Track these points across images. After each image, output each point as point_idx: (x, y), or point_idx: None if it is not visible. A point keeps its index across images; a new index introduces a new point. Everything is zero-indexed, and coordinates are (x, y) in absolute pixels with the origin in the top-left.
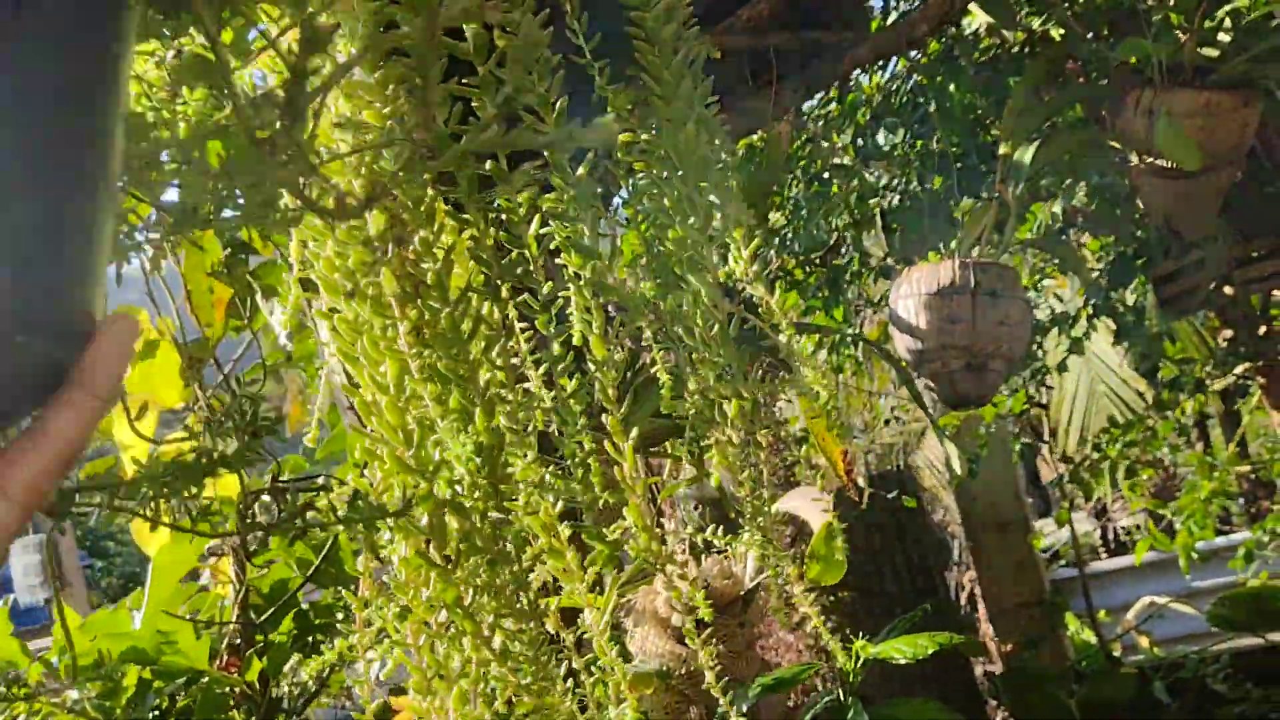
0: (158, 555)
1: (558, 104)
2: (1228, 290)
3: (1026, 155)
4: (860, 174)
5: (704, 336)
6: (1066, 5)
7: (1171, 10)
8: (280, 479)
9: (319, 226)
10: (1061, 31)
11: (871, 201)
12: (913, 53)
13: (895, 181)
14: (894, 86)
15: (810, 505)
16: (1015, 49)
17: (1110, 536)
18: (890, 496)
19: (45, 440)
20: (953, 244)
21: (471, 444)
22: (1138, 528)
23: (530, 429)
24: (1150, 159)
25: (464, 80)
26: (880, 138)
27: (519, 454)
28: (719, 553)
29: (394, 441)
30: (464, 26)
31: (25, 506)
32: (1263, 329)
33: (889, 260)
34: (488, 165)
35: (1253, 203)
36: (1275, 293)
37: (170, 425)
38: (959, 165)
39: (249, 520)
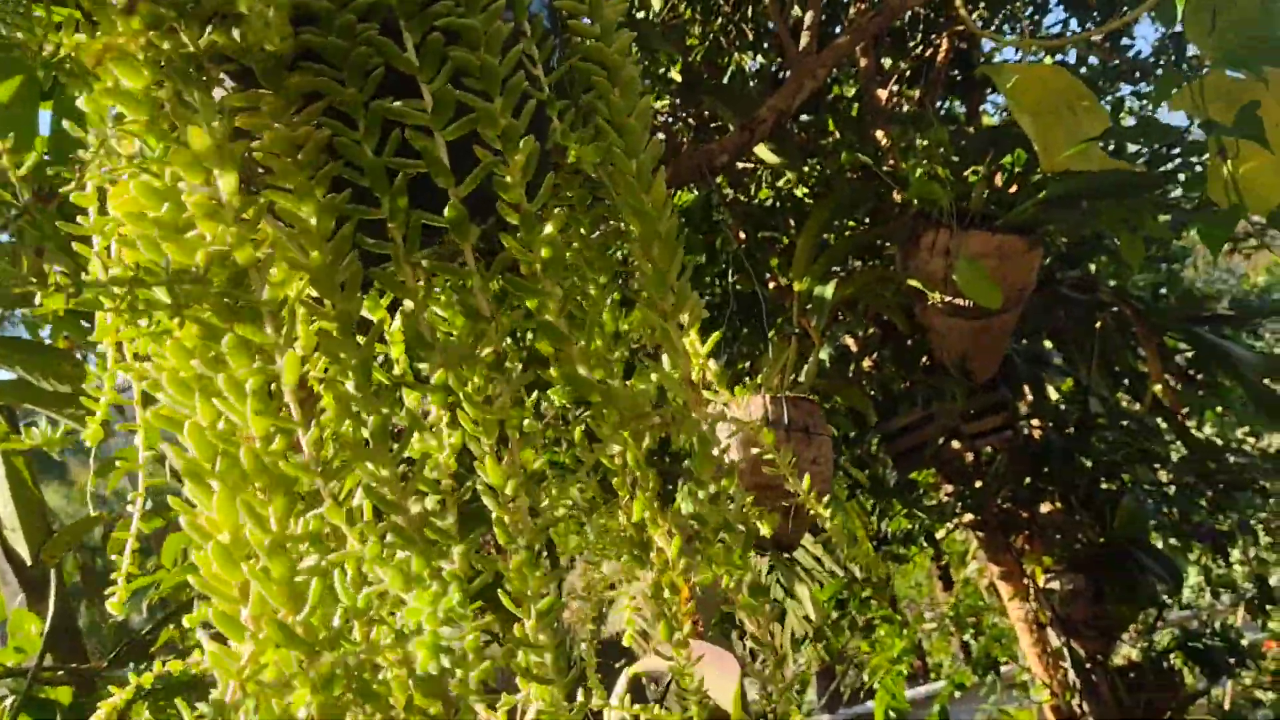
0: None
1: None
2: (955, 445)
3: (828, 291)
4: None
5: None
6: (852, 149)
7: (940, 165)
8: None
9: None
10: (853, 174)
11: None
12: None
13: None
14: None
15: (713, 667)
16: (801, 190)
17: None
18: None
19: None
20: (758, 379)
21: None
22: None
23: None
24: (947, 299)
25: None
26: None
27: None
28: None
29: (273, 598)
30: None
31: None
32: (978, 483)
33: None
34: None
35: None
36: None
37: None
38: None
39: None
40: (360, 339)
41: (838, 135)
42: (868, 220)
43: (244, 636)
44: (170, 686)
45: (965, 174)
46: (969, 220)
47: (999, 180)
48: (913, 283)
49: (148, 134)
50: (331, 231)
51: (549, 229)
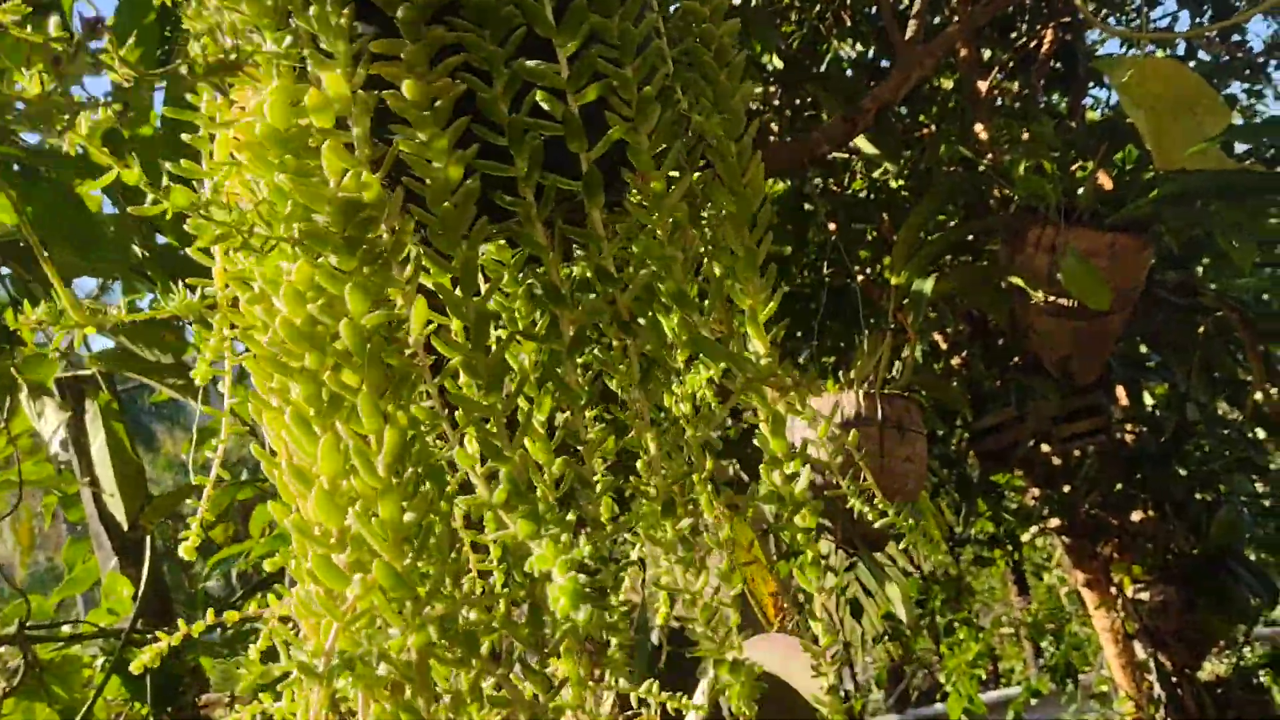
0: None
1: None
2: (1044, 448)
3: (926, 286)
4: None
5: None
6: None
7: (1046, 160)
8: (28, 624)
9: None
10: (951, 168)
11: None
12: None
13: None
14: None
15: (789, 657)
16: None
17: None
18: None
19: None
20: (851, 374)
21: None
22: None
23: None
24: (1052, 297)
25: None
26: None
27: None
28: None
29: (377, 543)
30: None
31: None
32: (1066, 487)
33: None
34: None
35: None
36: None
37: None
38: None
39: None
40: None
41: (935, 128)
42: (966, 216)
43: (344, 582)
44: (237, 637)
45: (1072, 169)
46: (1077, 217)
47: (1105, 178)
48: (1016, 280)
49: (278, 74)
50: (458, 184)
51: (675, 196)
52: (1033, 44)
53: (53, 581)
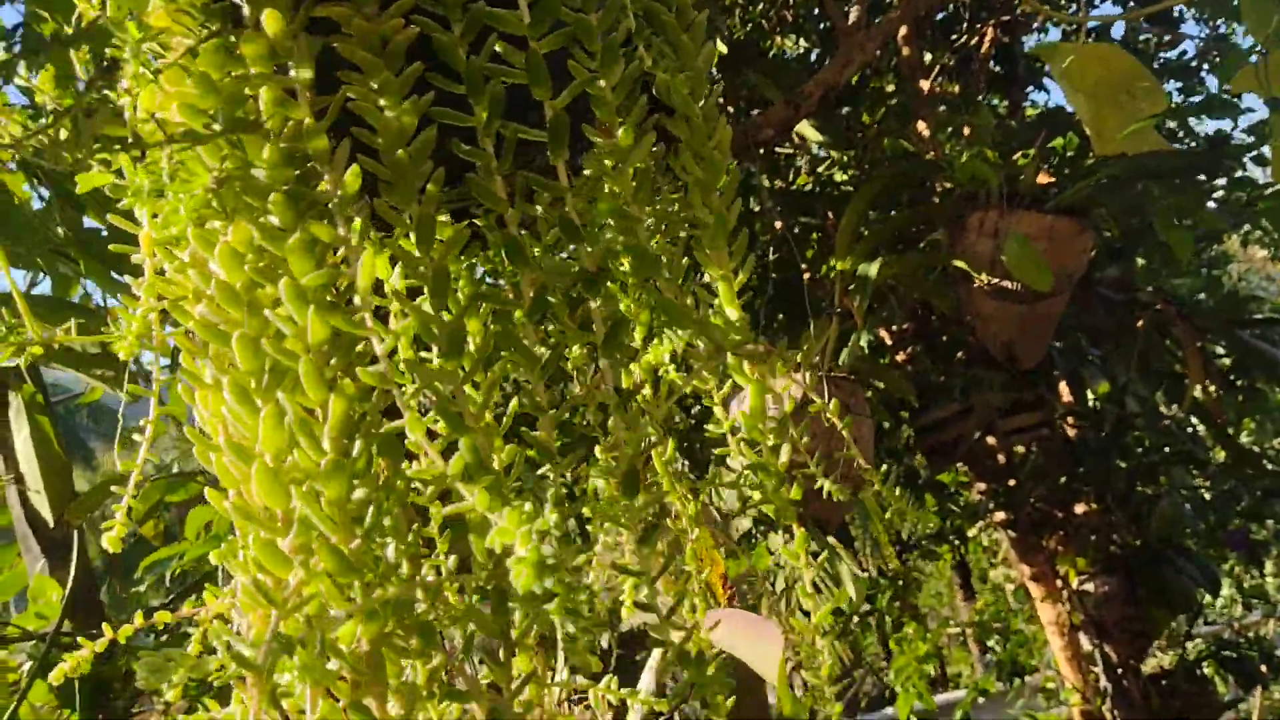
0: None
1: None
2: (990, 441)
3: (871, 270)
4: None
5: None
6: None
7: (990, 148)
8: None
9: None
10: (900, 141)
11: None
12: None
13: None
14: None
15: (753, 636)
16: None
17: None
18: None
19: None
20: (797, 358)
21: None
22: None
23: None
24: (994, 281)
25: None
26: None
27: None
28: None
29: (323, 524)
30: None
31: None
32: (1011, 481)
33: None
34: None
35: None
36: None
37: None
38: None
39: None
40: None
41: (877, 125)
42: (910, 204)
43: (287, 567)
44: (171, 641)
45: (1014, 158)
46: (1019, 202)
47: (1045, 176)
48: (959, 264)
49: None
50: (412, 135)
51: (641, 152)
52: (973, 41)
53: None
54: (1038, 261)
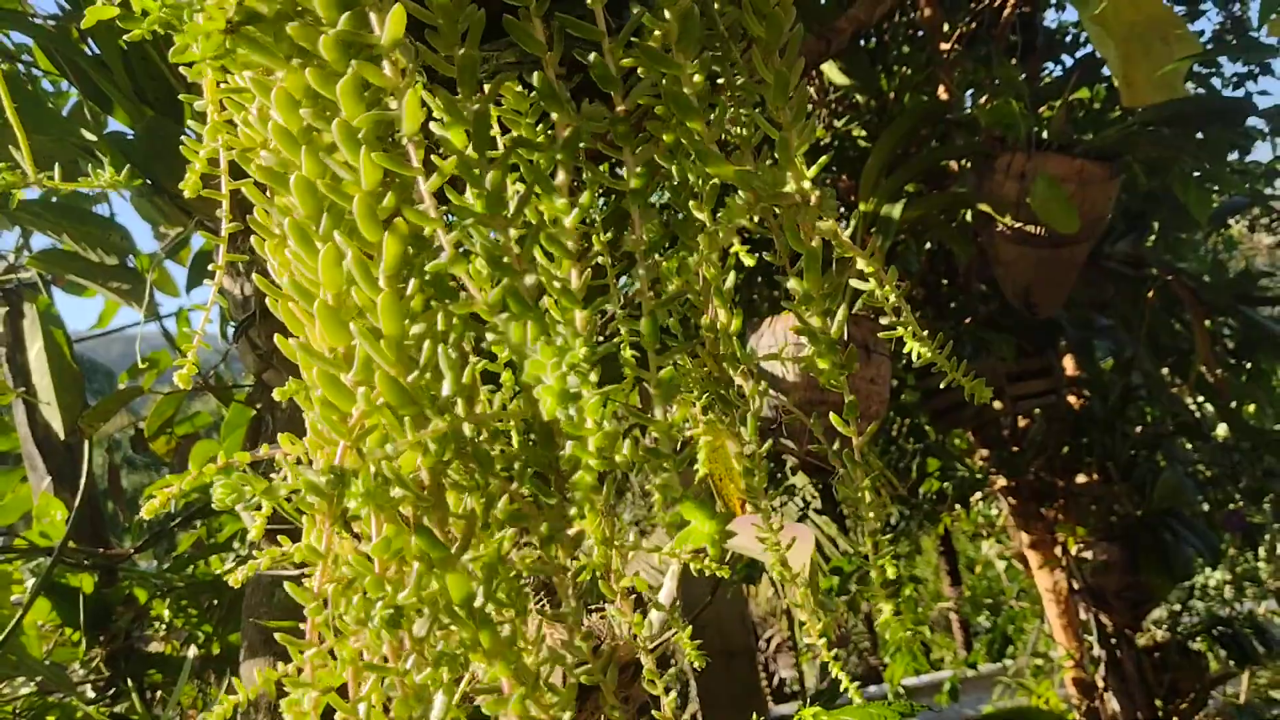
0: None
1: None
2: (996, 405)
3: (895, 210)
4: None
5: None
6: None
7: (1014, 98)
8: None
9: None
10: (922, 97)
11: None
12: None
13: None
14: None
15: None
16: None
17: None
18: None
19: None
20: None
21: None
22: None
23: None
24: (1018, 224)
25: None
26: None
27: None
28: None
29: (381, 358)
30: None
31: None
32: (1015, 448)
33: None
34: None
35: (1024, 316)
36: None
37: None
38: None
39: None
40: (479, 94)
41: (900, 76)
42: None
43: (350, 400)
44: (194, 585)
45: (1040, 111)
46: (1046, 146)
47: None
48: (984, 207)
49: None
50: None
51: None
52: (995, 3)
53: None
54: (1065, 203)
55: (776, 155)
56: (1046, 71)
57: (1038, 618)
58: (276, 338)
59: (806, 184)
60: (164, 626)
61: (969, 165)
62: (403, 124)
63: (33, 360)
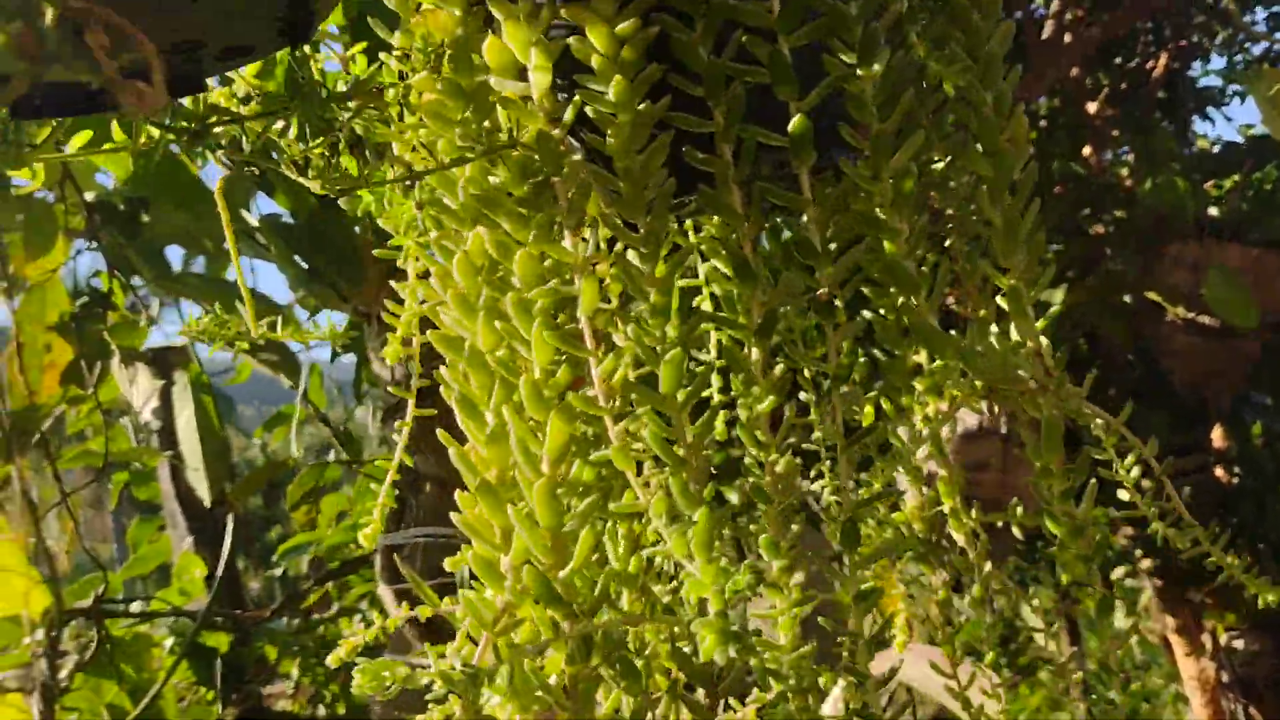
0: None
1: None
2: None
3: (1056, 295)
4: None
5: None
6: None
7: (1179, 175)
8: (104, 598)
9: None
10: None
11: None
12: None
13: None
14: None
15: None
16: None
17: None
18: None
19: None
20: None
21: None
22: None
23: None
24: (1191, 315)
25: None
26: None
27: None
28: None
29: (536, 547)
30: None
31: None
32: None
33: None
34: None
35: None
36: None
37: None
38: None
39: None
40: (662, 265)
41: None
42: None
43: (502, 586)
44: (326, 646)
45: (1206, 186)
46: (1218, 233)
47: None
48: (1152, 296)
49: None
50: (645, 143)
51: (901, 157)
52: (1146, 64)
53: (92, 570)
54: (1243, 296)
55: (1006, 314)
56: (1201, 134)
57: (1178, 700)
58: (459, 495)
59: (1050, 361)
60: (293, 684)
61: (1114, 232)
62: (580, 304)
63: (182, 427)
